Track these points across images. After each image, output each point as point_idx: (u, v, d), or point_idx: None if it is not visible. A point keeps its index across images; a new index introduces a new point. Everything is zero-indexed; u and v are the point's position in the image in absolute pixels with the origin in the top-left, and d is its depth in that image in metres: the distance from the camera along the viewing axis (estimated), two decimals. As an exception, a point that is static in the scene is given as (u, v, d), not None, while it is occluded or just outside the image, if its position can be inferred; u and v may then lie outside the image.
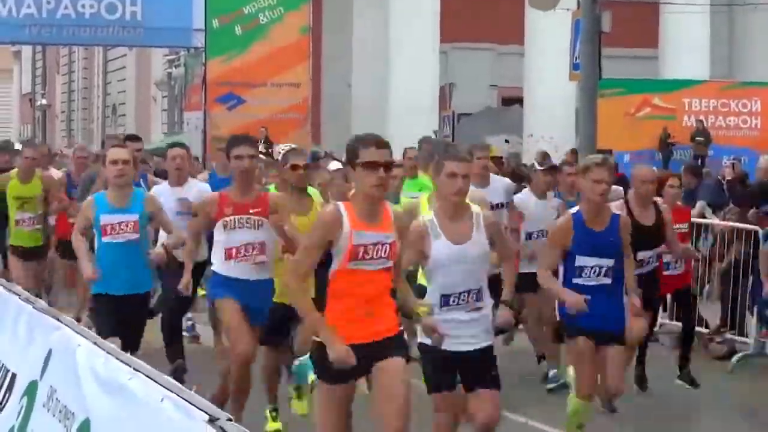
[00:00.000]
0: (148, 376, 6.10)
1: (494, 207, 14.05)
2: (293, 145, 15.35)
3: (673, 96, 30.12)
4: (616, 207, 12.66)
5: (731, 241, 17.20)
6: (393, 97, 37.04)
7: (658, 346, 17.11)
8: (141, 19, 33.85)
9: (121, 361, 6.52)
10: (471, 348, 9.83)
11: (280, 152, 14.81)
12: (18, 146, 22.83)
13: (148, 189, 15.64)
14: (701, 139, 24.70)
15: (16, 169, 17.38)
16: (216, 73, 33.07)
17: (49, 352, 7.67)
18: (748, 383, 15.83)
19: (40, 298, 14.27)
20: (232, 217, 11.92)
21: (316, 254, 9.05)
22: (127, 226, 12.44)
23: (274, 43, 33.25)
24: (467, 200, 10.63)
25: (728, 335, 16.61)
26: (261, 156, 14.19)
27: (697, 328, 16.52)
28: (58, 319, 8.09)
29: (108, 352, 6.87)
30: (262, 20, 33.27)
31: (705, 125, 26.04)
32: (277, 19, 33.39)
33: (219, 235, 12.06)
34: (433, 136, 34.64)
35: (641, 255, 13.33)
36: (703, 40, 38.04)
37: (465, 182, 9.71)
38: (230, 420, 5.16)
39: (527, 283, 13.69)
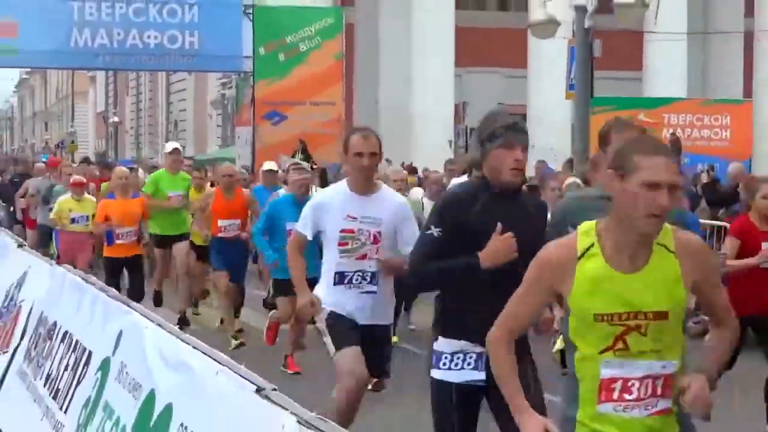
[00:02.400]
0: (204, 353, 6.15)
1: None
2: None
3: (655, 112, 29.99)
4: None
5: (703, 235, 17.15)
6: (415, 114, 36.89)
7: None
8: (198, 48, 33.73)
9: (182, 340, 6.58)
10: None
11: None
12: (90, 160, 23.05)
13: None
14: (674, 148, 24.57)
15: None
16: (262, 93, 32.98)
17: (120, 333, 7.70)
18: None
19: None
20: None
21: None
22: None
23: (312, 67, 33.12)
24: None
25: (703, 316, 16.49)
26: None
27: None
28: (128, 305, 8.14)
29: (170, 333, 6.93)
30: (302, 48, 33.15)
31: (677, 137, 25.90)
32: (315, 47, 33.27)
33: None
34: (449, 146, 34.56)
35: None
36: (681, 63, 37.80)
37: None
38: (275, 390, 5.21)
39: None
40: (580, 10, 22.53)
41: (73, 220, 17.51)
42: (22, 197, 22.96)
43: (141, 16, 33.58)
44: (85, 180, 18.64)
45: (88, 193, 18.77)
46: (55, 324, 10.09)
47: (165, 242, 17.50)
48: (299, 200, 12.47)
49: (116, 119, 70.20)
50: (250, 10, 33.53)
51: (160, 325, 7.30)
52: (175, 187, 16.83)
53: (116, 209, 15.29)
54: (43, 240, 20.55)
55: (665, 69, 37.50)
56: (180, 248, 17.32)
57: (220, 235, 15.16)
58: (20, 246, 14.69)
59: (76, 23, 33.29)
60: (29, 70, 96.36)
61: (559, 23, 24.78)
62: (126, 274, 15.86)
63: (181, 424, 5.96)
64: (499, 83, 41.42)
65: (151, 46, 33.69)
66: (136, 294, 14.37)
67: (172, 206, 17.10)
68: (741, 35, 41.33)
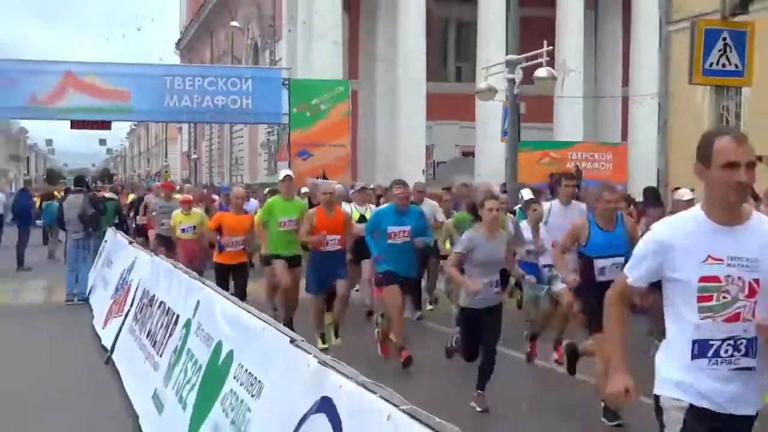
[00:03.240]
0: (255, 315, 6.15)
1: None
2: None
3: (562, 151, 29.97)
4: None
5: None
6: (400, 152, 36.91)
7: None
8: (252, 108, 33.70)
9: (240, 307, 6.58)
10: None
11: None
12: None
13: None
14: (577, 175, 24.53)
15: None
16: (295, 138, 32.94)
17: (198, 303, 7.71)
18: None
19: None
20: None
21: None
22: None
23: (329, 121, 33.05)
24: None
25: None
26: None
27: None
28: (203, 283, 8.13)
29: (232, 302, 6.93)
30: (322, 108, 33.10)
31: (579, 168, 25.89)
32: (331, 107, 33.20)
33: None
34: (424, 176, 34.43)
35: None
36: (579, 117, 37.87)
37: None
38: (303, 340, 5.20)
39: None
40: (511, 81, 22.52)
41: (183, 230, 15.98)
42: (143, 214, 20.65)
43: (212, 86, 33.56)
44: (191, 198, 16.81)
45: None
46: (154, 296, 10.11)
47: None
48: (399, 209, 10.95)
49: (195, 156, 70.13)
50: (287, 82, 33.59)
51: (226, 297, 7.33)
52: (289, 212, 12.85)
53: (229, 220, 13.43)
54: (161, 244, 18.10)
55: (568, 121, 37.59)
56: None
57: (323, 249, 11.81)
58: (130, 243, 14.75)
59: (168, 91, 33.26)
60: (137, 122, 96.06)
61: (497, 91, 24.78)
62: (232, 277, 13.50)
63: (240, 365, 5.98)
64: (456, 131, 41.44)
65: (219, 106, 33.64)
66: (240, 295, 12.34)
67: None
68: (620, 98, 41.51)
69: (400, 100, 37.43)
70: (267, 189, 19.60)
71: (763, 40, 17.13)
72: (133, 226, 22.03)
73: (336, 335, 12.14)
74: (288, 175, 13.22)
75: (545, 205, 11.61)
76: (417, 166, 35.66)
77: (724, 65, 16.10)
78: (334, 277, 11.93)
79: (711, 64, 16.07)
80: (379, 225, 11.03)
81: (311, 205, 14.06)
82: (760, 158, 13.67)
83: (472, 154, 38.46)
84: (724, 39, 16.07)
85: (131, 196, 26.74)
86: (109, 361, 11.01)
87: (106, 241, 17.60)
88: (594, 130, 40.86)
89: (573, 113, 37.42)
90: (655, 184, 22.02)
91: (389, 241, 10.85)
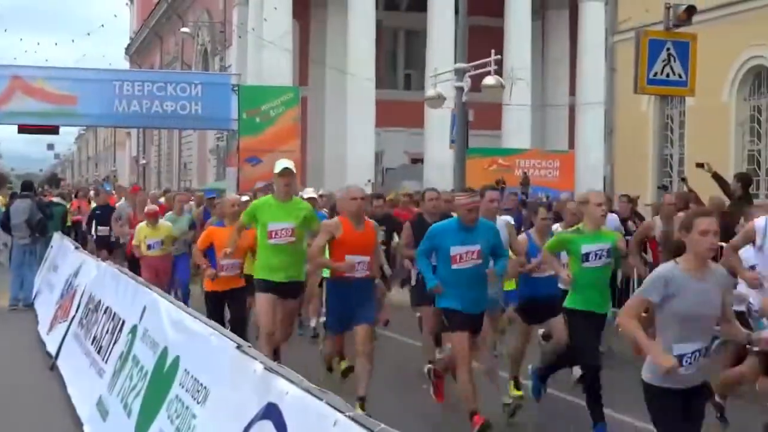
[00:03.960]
0: (201, 321, 6.08)
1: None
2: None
3: (509, 158, 30.17)
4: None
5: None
6: (349, 159, 36.84)
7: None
8: (201, 113, 33.58)
9: (185, 312, 6.50)
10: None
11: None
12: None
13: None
14: (524, 182, 24.65)
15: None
16: (245, 144, 32.84)
17: (144, 307, 7.62)
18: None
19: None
20: None
21: None
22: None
23: (278, 127, 33.00)
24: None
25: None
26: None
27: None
28: (148, 288, 8.03)
29: (177, 307, 6.85)
30: (272, 114, 33.04)
31: (527, 175, 26.02)
32: (280, 113, 33.15)
33: None
34: (369, 185, 34.07)
35: None
36: (527, 125, 38.10)
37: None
38: (250, 346, 5.15)
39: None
40: (459, 89, 22.57)
41: (149, 246, 13.55)
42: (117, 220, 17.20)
43: (162, 92, 33.39)
44: (157, 209, 14.20)
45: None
46: (99, 301, 9.98)
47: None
48: (466, 225, 8.10)
49: (144, 161, 69.56)
50: (237, 88, 33.49)
51: (171, 302, 7.25)
52: (285, 217, 9.23)
53: (223, 236, 10.23)
54: (102, 247, 17.17)
55: (516, 129, 37.81)
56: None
57: (348, 274, 8.56)
58: (77, 248, 14.54)
59: (117, 96, 33.05)
60: (85, 127, 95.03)
61: (445, 98, 24.82)
62: (227, 306, 10.62)
63: (186, 371, 5.92)
64: (405, 138, 41.45)
65: (169, 111, 33.49)
66: (238, 328, 9.75)
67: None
68: (567, 107, 41.92)
69: (349, 107, 37.39)
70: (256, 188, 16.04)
71: (706, 51, 17.37)
72: (95, 236, 18.71)
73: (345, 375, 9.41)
74: (287, 168, 9.39)
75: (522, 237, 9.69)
76: (366, 172, 35.61)
77: (668, 75, 16.32)
78: (359, 318, 8.67)
79: (655, 73, 16.27)
80: (438, 244, 8.17)
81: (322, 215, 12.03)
82: (701, 165, 13.68)
83: (421, 160, 38.52)
84: (668, 50, 16.29)
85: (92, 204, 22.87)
86: (54, 367, 10.85)
87: (52, 246, 17.35)
88: (541, 137, 41.14)
89: (520, 121, 37.63)
90: (601, 191, 22.23)
91: (454, 267, 8.07)
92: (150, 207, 14.32)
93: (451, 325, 8.10)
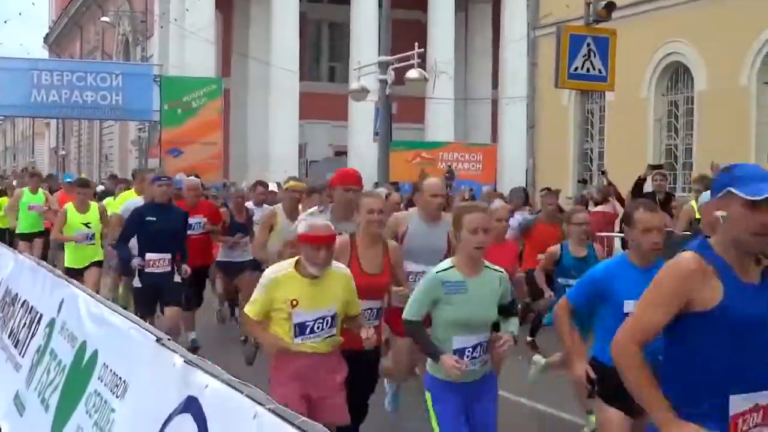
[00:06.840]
0: (119, 314, 6.01)
1: None
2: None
3: (433, 151, 30.32)
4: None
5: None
6: (272, 151, 36.80)
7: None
8: (122, 104, 33.22)
9: (104, 305, 6.41)
10: None
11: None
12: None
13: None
14: (449, 176, 24.84)
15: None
16: (166, 136, 32.56)
17: (62, 300, 7.51)
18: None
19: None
20: None
21: None
22: None
23: (201, 118, 32.81)
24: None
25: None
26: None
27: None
28: (66, 281, 7.92)
29: (96, 300, 6.75)
30: (194, 105, 32.83)
31: (452, 168, 26.22)
32: (202, 105, 32.96)
33: None
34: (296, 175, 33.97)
35: None
36: (450, 118, 38.40)
37: None
38: (170, 339, 5.10)
39: None
40: (383, 82, 22.66)
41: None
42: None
43: (81, 82, 32.99)
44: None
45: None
46: (16, 294, 9.80)
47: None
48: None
49: (64, 152, 68.42)
50: (158, 79, 33.17)
51: (90, 295, 7.14)
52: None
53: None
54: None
55: (439, 122, 38.07)
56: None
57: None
58: (-7, 240, 14.25)
59: (35, 86, 32.63)
60: (2, 117, 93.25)
61: (369, 91, 24.90)
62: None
63: (104, 364, 5.83)
64: (329, 131, 41.46)
65: (89, 102, 33.10)
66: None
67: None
68: (489, 101, 42.29)
69: (272, 99, 37.28)
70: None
71: (625, 47, 17.66)
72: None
73: None
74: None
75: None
76: (289, 164, 35.54)
77: (588, 70, 16.57)
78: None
79: (576, 68, 16.50)
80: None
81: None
82: (659, 166, 13.94)
83: (345, 153, 38.56)
84: (588, 45, 16.53)
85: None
86: (-31, 362, 10.64)
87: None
88: (464, 130, 41.46)
89: (444, 114, 37.91)
90: (523, 185, 22.49)
91: None
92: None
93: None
